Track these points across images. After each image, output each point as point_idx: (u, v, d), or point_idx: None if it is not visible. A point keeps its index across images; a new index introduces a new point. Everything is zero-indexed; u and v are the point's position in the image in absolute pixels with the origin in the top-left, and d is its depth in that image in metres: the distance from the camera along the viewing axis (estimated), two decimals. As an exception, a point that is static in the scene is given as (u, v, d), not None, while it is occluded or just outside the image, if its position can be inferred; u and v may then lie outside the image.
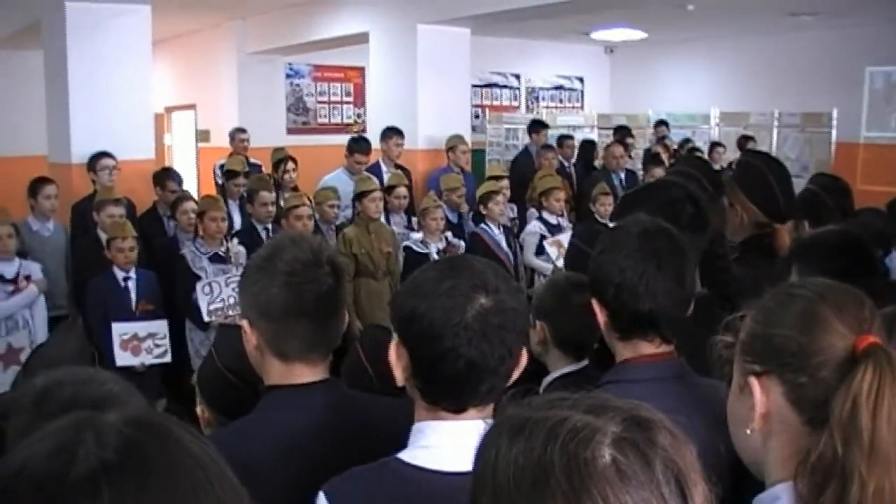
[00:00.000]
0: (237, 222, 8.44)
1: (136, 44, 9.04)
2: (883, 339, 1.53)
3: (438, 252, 7.56)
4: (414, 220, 8.47)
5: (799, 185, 4.46)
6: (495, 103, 17.41)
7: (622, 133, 12.40)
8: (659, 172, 8.95)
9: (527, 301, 1.88)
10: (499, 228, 8.24)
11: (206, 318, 6.55)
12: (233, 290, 6.55)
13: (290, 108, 15.55)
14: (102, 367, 1.96)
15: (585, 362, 3.13)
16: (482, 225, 8.24)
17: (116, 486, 0.86)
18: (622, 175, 10.70)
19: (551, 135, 12.21)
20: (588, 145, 12.47)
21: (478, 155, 12.62)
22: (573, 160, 11.80)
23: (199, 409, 2.74)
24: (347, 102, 16.27)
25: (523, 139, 13.18)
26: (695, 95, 16.00)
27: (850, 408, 1.44)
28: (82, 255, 7.26)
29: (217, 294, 6.58)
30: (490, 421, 1.79)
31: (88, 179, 8.23)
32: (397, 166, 9.83)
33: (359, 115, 16.11)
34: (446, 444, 1.78)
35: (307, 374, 2.15)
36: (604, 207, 8.43)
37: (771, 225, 3.62)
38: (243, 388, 2.50)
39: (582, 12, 11.88)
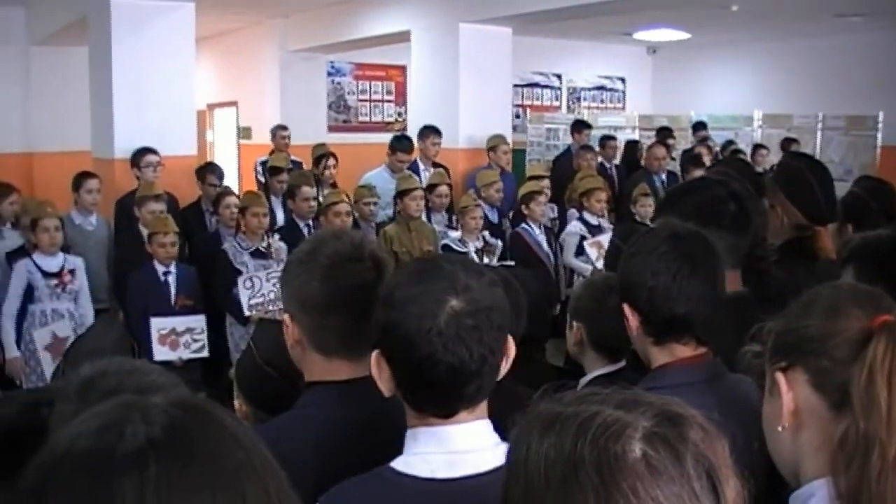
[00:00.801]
0: (280, 218, 8.48)
1: (179, 41, 9.10)
2: None
3: (476, 251, 7.57)
4: (455, 218, 8.48)
5: (843, 188, 4.42)
6: (536, 103, 17.36)
7: (663, 134, 12.33)
8: (699, 174, 8.89)
9: (503, 294, 1.82)
10: (540, 228, 8.24)
11: (246, 313, 6.61)
12: (273, 285, 6.59)
13: (331, 106, 15.59)
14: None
15: (622, 364, 3.11)
16: (523, 225, 8.24)
17: (163, 461, 0.87)
18: (663, 176, 10.64)
19: (593, 135, 12.17)
20: (632, 146, 12.41)
21: (518, 155, 12.59)
22: (615, 161, 11.76)
23: (236, 403, 2.73)
24: (388, 101, 16.28)
25: (564, 139, 13.14)
26: (738, 97, 15.86)
27: (867, 378, 1.47)
28: (124, 250, 7.32)
29: (258, 289, 6.62)
30: (484, 421, 1.80)
31: (132, 174, 8.29)
32: (435, 165, 9.84)
33: (399, 114, 16.11)
34: (439, 450, 1.76)
35: (348, 370, 2.13)
36: (644, 208, 8.39)
37: (811, 227, 3.59)
38: (281, 382, 2.48)
39: (624, 12, 11.83)
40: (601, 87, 18.60)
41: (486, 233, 7.94)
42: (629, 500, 1.01)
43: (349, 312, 2.09)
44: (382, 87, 16.21)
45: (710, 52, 16.90)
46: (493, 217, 8.70)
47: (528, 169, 11.02)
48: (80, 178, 7.64)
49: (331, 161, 9.66)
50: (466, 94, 11.02)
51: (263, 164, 10.75)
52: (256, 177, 11.36)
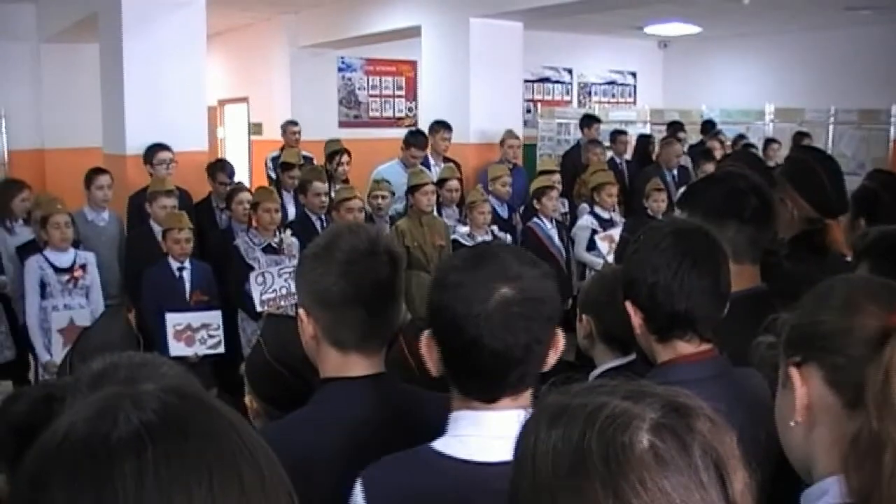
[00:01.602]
0: (291, 214, 8.49)
1: (190, 37, 9.10)
2: None
3: (486, 246, 7.56)
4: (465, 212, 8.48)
5: (855, 182, 4.40)
6: (547, 98, 17.32)
7: (675, 128, 12.30)
8: (710, 168, 8.88)
9: (556, 286, 1.85)
10: (551, 223, 8.24)
11: (258, 309, 6.61)
12: (285, 280, 6.60)
13: (341, 102, 15.60)
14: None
15: (633, 357, 3.10)
16: (535, 219, 8.24)
17: (159, 443, 0.87)
18: (675, 171, 10.63)
19: (604, 130, 12.15)
20: (644, 140, 12.39)
21: (529, 150, 12.58)
22: (626, 156, 11.74)
23: (247, 400, 2.73)
24: (399, 96, 16.28)
25: (575, 134, 13.13)
26: (749, 91, 15.79)
27: (882, 380, 1.45)
28: (135, 246, 7.32)
29: (270, 284, 6.63)
30: (528, 409, 1.81)
31: (144, 170, 8.30)
32: (446, 160, 9.85)
33: (410, 109, 16.13)
34: (478, 433, 1.79)
35: (363, 365, 2.13)
36: (656, 203, 8.39)
37: (822, 221, 3.57)
38: (291, 378, 2.50)
39: (635, 6, 11.83)
40: (612, 82, 18.56)
41: (495, 227, 7.95)
42: (637, 492, 1.01)
43: (365, 307, 2.09)
44: (393, 82, 16.22)
45: (722, 46, 16.85)
46: (503, 212, 8.70)
47: (538, 164, 11.02)
48: (92, 175, 7.64)
49: (344, 157, 9.67)
50: (477, 89, 11.02)
51: (274, 159, 10.76)
52: (267, 172, 11.37)
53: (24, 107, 13.02)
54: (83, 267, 6.70)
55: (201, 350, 6.49)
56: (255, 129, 15.70)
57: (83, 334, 3.35)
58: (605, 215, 8.43)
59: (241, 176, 11.43)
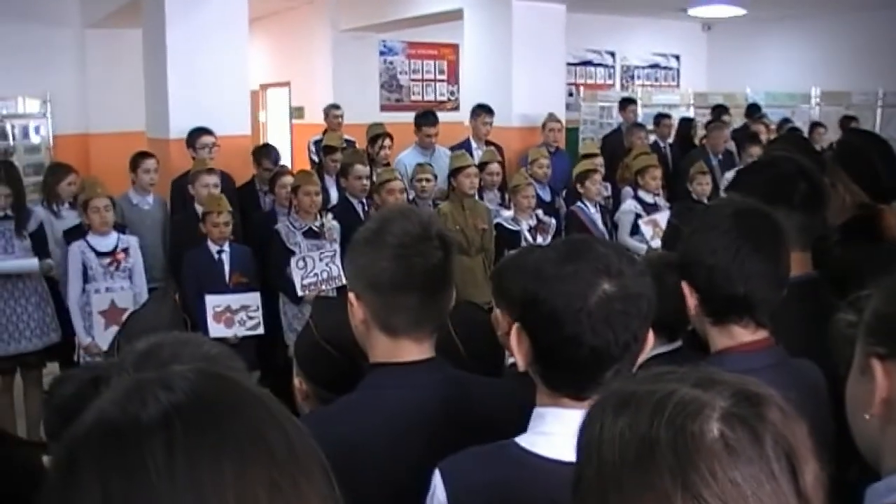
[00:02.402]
0: (334, 197, 8.49)
1: (233, 21, 9.12)
2: None
3: (529, 229, 7.55)
4: (507, 196, 8.44)
5: (906, 166, 4.33)
6: (590, 81, 17.23)
7: (719, 111, 12.20)
8: (756, 152, 8.80)
9: (651, 284, 1.82)
10: (595, 207, 8.20)
11: (299, 293, 6.63)
12: (326, 264, 6.61)
13: (383, 86, 15.61)
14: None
15: (679, 343, 3.06)
16: (578, 203, 8.20)
17: (188, 422, 0.88)
18: (720, 155, 10.54)
19: (647, 113, 12.08)
20: (686, 123, 12.30)
21: (571, 133, 12.53)
22: (669, 139, 11.66)
23: (296, 381, 2.71)
24: (441, 80, 16.27)
25: (617, 118, 13.06)
26: (794, 74, 15.59)
27: None
28: (179, 229, 7.36)
29: (311, 268, 6.64)
30: None
31: (186, 154, 8.34)
32: (488, 143, 9.81)
33: (452, 93, 16.10)
34: (566, 432, 1.72)
35: (414, 350, 2.10)
36: (701, 187, 8.32)
37: (874, 206, 3.49)
38: (342, 360, 2.48)
39: (679, -12, 11.73)
40: (655, 65, 18.41)
41: (540, 211, 7.90)
42: (706, 481, 0.99)
43: (417, 292, 2.06)
44: (435, 65, 16.20)
45: (767, 28, 16.64)
46: (546, 195, 8.66)
47: (581, 147, 10.97)
48: (138, 158, 7.69)
49: (387, 141, 9.66)
50: (520, 73, 10.99)
51: (317, 143, 10.79)
52: (310, 156, 11.39)
53: (69, 92, 13.12)
54: (125, 250, 6.73)
55: (240, 331, 6.52)
56: (296, 112, 15.76)
57: (132, 317, 3.37)
58: (650, 199, 8.36)
59: (283, 160, 11.46)
